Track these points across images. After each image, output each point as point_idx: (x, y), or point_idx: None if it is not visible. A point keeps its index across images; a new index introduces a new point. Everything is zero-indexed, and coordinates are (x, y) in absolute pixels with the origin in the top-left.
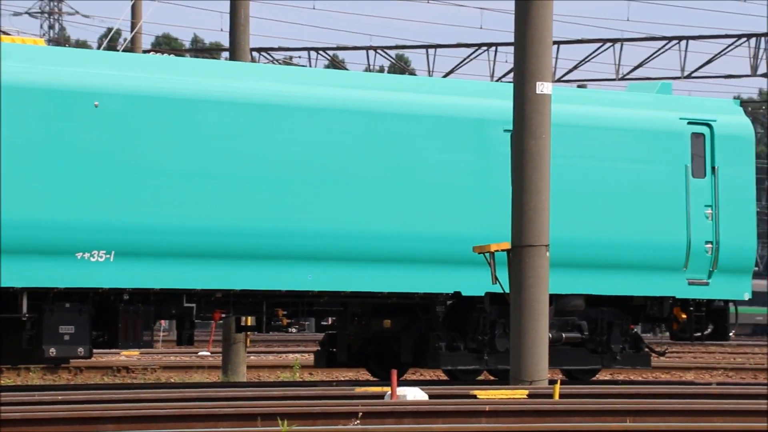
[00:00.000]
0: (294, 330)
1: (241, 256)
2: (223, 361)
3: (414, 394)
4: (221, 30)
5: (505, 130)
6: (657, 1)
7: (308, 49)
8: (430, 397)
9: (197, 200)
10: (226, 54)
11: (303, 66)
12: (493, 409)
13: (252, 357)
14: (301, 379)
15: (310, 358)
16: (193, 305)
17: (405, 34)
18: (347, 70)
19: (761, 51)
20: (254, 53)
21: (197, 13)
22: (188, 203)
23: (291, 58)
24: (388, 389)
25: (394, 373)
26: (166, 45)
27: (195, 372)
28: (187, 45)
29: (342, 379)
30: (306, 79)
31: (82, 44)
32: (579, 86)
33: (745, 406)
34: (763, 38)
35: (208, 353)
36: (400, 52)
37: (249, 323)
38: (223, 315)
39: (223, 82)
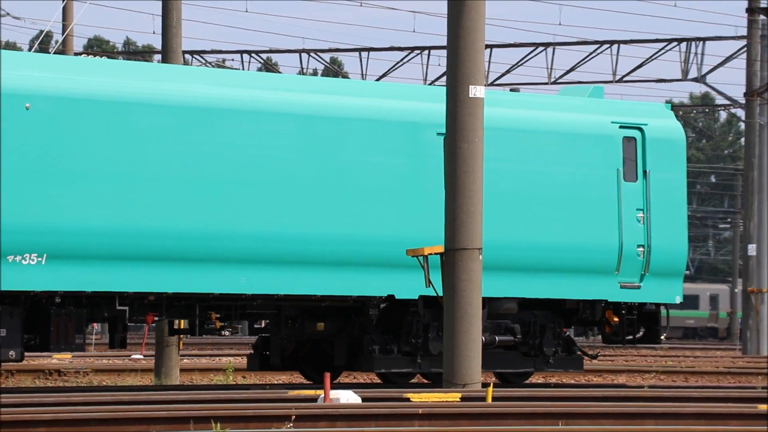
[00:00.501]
0: (227, 333)
1: (173, 259)
2: (156, 365)
3: (347, 397)
4: (153, 32)
5: (439, 134)
6: (589, 6)
7: (241, 52)
8: (364, 400)
9: (129, 203)
10: (158, 56)
11: (236, 69)
12: (426, 412)
13: (185, 360)
14: (234, 383)
15: (243, 362)
16: (126, 308)
17: (338, 37)
18: (280, 73)
19: (692, 55)
20: (187, 56)
21: (129, 15)
22: (120, 206)
23: (224, 60)
24: (321, 392)
25: (327, 376)
26: (98, 47)
27: (128, 375)
28: (120, 47)
29: (275, 382)
30: (239, 82)
31: (12, 46)
32: (512, 90)
33: (675, 409)
34: (693, 42)
35: (141, 356)
36: (334, 55)
37: (182, 326)
38: (156, 318)
39: (155, 85)
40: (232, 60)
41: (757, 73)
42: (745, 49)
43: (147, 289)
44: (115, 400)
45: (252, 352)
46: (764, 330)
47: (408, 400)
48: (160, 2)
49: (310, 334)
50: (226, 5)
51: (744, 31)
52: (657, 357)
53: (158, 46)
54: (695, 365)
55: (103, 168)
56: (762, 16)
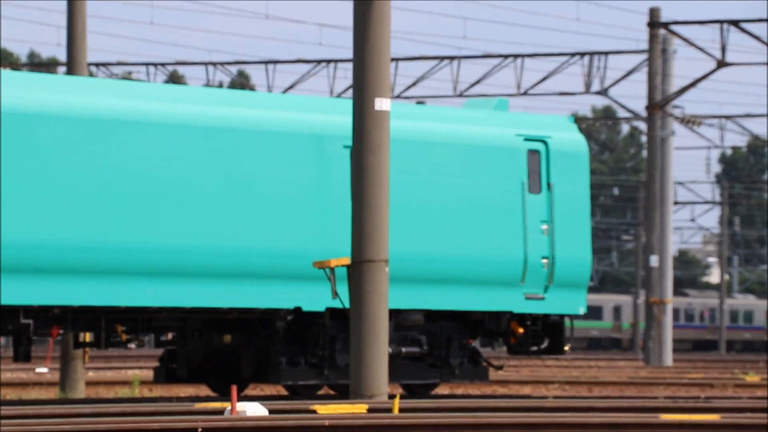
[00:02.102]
0: (133, 346)
1: (78, 272)
2: (61, 378)
3: (254, 410)
4: (58, 44)
5: (345, 146)
6: (493, 20)
7: (147, 64)
8: (271, 412)
9: (32, 215)
10: (63, 69)
11: (142, 81)
12: (332, 424)
13: (91, 373)
14: (140, 396)
15: (150, 374)
16: (30, 321)
17: (245, 50)
18: (186, 85)
19: (594, 69)
20: (92, 68)
21: (33, 27)
22: (22, 218)
23: (130, 73)
24: (228, 405)
25: (234, 388)
26: (4, 59)
27: (32, 389)
28: (24, 59)
29: (182, 395)
30: (144, 94)
31: None
32: (418, 103)
33: (579, 419)
34: (596, 56)
35: (46, 369)
36: (240, 67)
37: (87, 339)
38: (61, 331)
39: (58, 96)
40: (138, 72)
41: (658, 86)
42: (647, 62)
43: (52, 302)
44: (19, 414)
45: (158, 364)
46: (666, 340)
47: (315, 412)
48: (65, 14)
49: (217, 347)
50: (132, 17)
51: (645, 45)
52: (561, 367)
53: (63, 58)
54: (599, 376)
55: (6, 180)
56: (663, 30)
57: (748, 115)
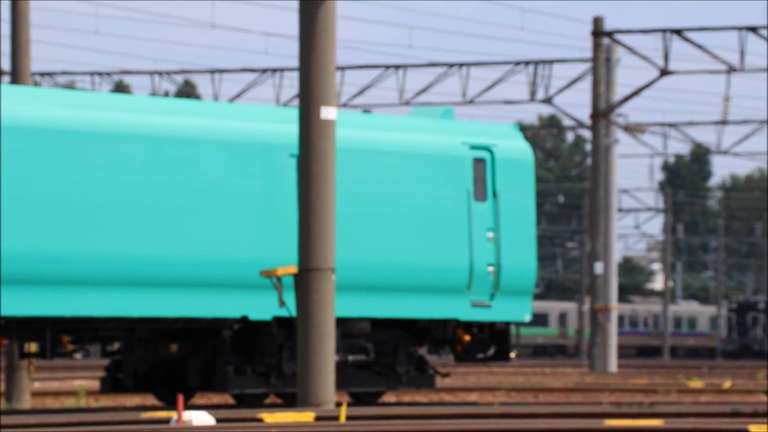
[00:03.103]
0: (79, 356)
1: (23, 282)
2: (7, 389)
3: (200, 419)
4: (2, 54)
5: (291, 155)
6: (439, 29)
7: (92, 74)
8: (217, 420)
9: None
10: (7, 78)
11: (86, 90)
12: None
13: (37, 384)
14: (87, 406)
15: (96, 384)
16: None
17: (190, 59)
18: (132, 94)
19: (539, 77)
20: (36, 77)
21: None
22: None
23: (74, 82)
24: (174, 414)
25: (180, 397)
26: None
27: None
28: None
29: (129, 405)
30: (89, 103)
31: None
32: (364, 111)
33: (525, 426)
34: (540, 65)
35: None
36: (186, 76)
37: (32, 350)
38: (6, 342)
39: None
40: (83, 81)
41: (602, 94)
42: (591, 71)
43: None
44: None
45: (105, 374)
46: (611, 347)
47: (262, 420)
48: (9, 23)
49: (163, 356)
50: (77, 26)
51: (589, 54)
52: (508, 374)
53: (7, 67)
54: (544, 382)
55: None
56: (606, 39)
57: (691, 123)
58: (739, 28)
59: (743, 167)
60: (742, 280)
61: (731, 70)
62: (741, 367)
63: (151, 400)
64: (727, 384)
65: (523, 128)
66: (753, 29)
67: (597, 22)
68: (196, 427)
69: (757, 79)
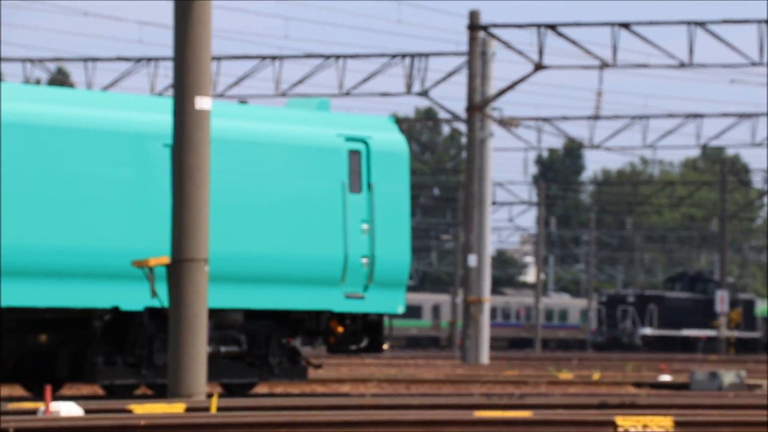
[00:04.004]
0: None
1: None
2: None
3: (68, 410)
4: None
5: (165, 145)
6: (315, 20)
7: None
8: (86, 411)
9: None
10: None
11: None
12: (148, 423)
13: None
14: None
15: None
16: None
17: (64, 47)
18: (3, 81)
19: (415, 70)
20: None
21: None
22: None
23: None
24: (42, 405)
25: (48, 388)
26: None
27: None
28: None
29: None
30: None
31: None
32: (240, 102)
33: (396, 417)
34: (417, 58)
35: None
36: (59, 64)
37: None
38: None
39: None
40: None
41: (477, 88)
42: (467, 64)
43: None
44: None
45: None
46: (483, 339)
47: (131, 411)
48: None
49: (32, 346)
50: None
51: (465, 47)
52: (380, 366)
53: None
54: (417, 374)
55: None
56: (482, 33)
57: (564, 118)
58: (612, 24)
59: (615, 162)
60: (612, 273)
61: (604, 65)
62: (610, 360)
63: (19, 391)
64: (596, 376)
65: (399, 121)
66: (626, 25)
67: (473, 15)
68: (63, 418)
69: (629, 74)
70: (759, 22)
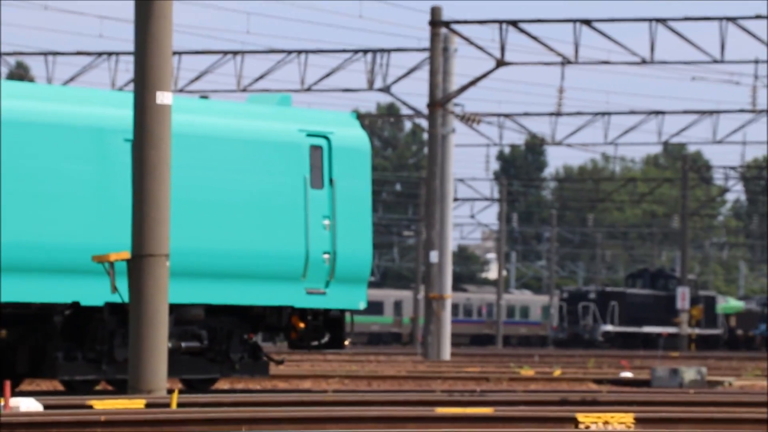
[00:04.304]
0: None
1: None
2: None
3: (28, 405)
4: None
5: (126, 140)
6: (277, 15)
7: None
8: (46, 407)
9: None
10: None
11: None
12: (108, 419)
13: None
14: None
15: None
16: None
17: (24, 41)
18: None
19: (377, 66)
20: None
21: None
22: None
23: None
24: (1, 400)
25: (8, 384)
26: None
27: None
28: None
29: None
30: None
31: None
32: (201, 97)
33: (358, 413)
34: (378, 53)
35: None
36: (19, 58)
37: None
38: None
39: None
40: None
41: (439, 84)
42: (428, 60)
43: None
44: None
45: None
46: (445, 335)
47: (91, 407)
48: None
49: None
50: None
51: (427, 43)
52: (342, 362)
53: None
54: (378, 370)
55: None
56: (444, 29)
57: (526, 114)
58: (574, 21)
59: (577, 158)
60: (574, 270)
61: (566, 62)
62: (571, 356)
63: None
64: (557, 372)
65: (361, 116)
66: (587, 22)
67: (435, 11)
68: (23, 414)
69: (591, 71)
70: (720, 19)
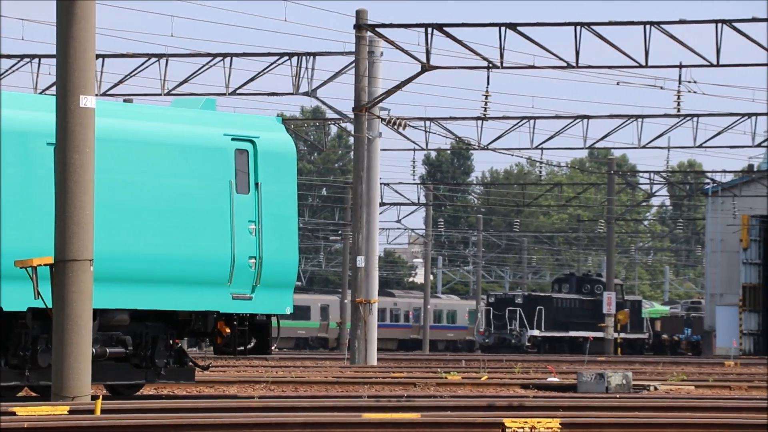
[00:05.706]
0: None
1: None
2: None
3: None
4: None
5: (49, 144)
6: (201, 18)
7: None
8: None
9: None
10: None
11: None
12: (32, 426)
13: None
14: None
15: None
16: None
17: None
18: None
19: (302, 69)
20: None
21: None
22: None
23: None
24: None
25: None
26: None
27: None
28: None
29: None
30: None
31: None
32: (125, 101)
33: (283, 419)
34: (304, 57)
35: None
36: None
37: None
38: None
39: None
40: None
41: (365, 88)
42: (354, 64)
43: None
44: None
45: None
46: (372, 340)
47: (14, 413)
48: None
49: None
50: None
51: (352, 47)
52: (268, 367)
53: None
54: (305, 375)
55: None
56: (369, 33)
57: (452, 118)
58: (499, 25)
59: (502, 163)
60: (501, 274)
61: (491, 66)
62: (498, 361)
63: None
64: (484, 377)
65: (286, 120)
66: (513, 26)
67: (359, 15)
68: None
69: (516, 75)
70: (644, 23)
